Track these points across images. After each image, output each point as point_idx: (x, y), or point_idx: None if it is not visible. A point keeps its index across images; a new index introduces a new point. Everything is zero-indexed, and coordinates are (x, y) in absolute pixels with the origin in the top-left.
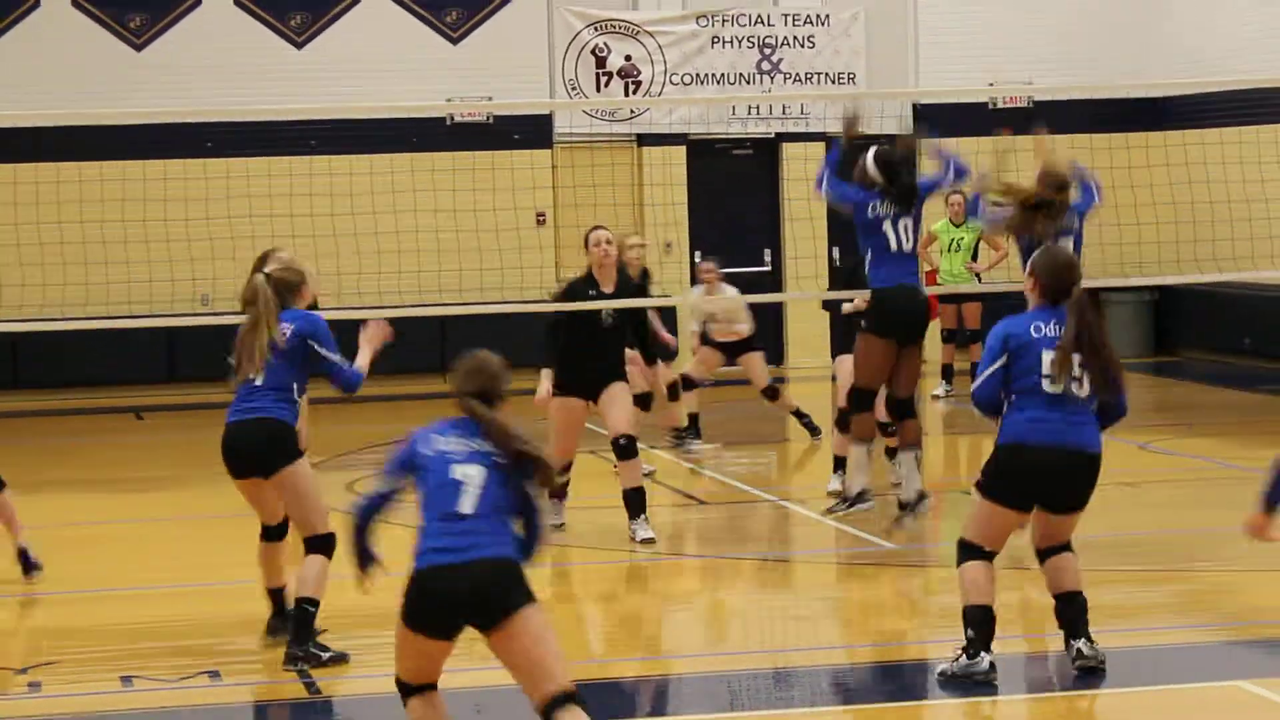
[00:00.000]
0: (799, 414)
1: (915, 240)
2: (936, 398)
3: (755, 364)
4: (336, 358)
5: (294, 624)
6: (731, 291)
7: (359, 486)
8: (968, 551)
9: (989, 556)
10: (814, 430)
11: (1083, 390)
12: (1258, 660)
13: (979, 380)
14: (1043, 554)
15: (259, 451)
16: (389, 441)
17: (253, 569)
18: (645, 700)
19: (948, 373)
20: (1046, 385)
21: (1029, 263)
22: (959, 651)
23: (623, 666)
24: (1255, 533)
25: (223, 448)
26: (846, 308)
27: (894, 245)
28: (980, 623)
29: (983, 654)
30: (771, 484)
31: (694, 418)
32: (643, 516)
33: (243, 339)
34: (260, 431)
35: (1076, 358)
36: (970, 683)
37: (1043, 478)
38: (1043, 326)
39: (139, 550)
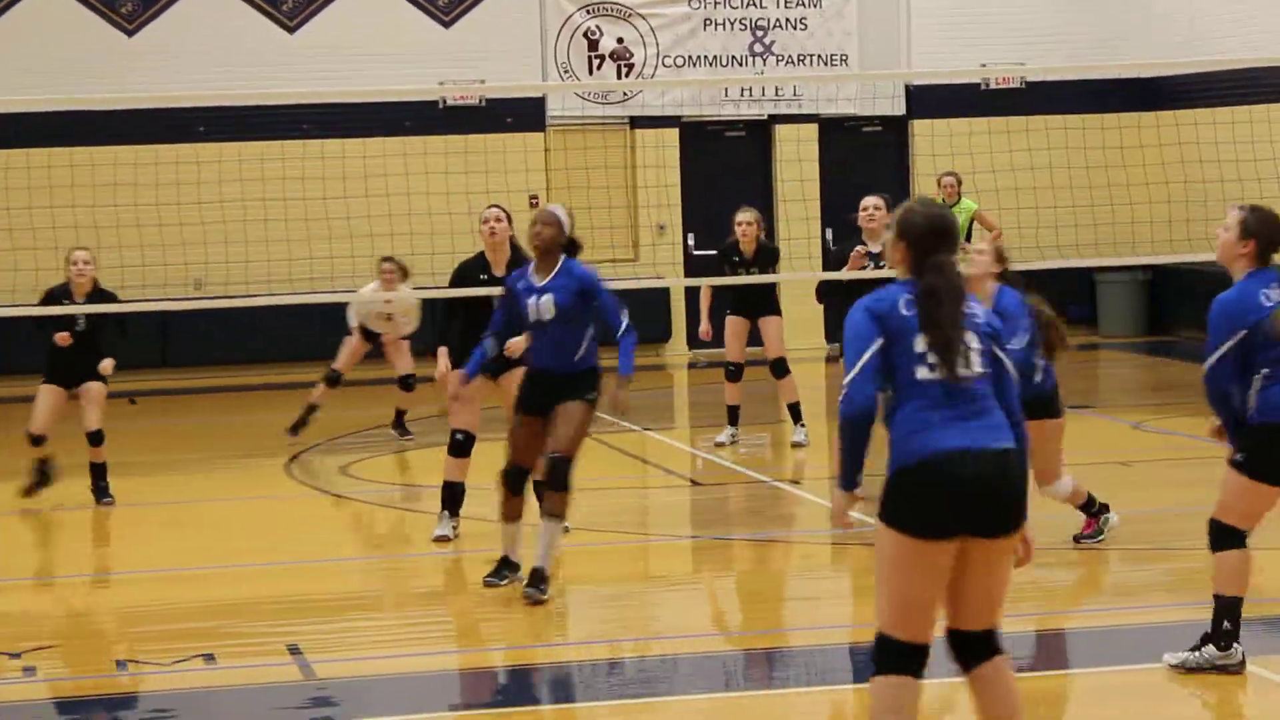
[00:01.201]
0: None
1: None
2: None
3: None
4: None
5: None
6: (406, 290)
7: (353, 470)
8: (1229, 538)
9: (1244, 541)
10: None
11: None
12: (1252, 639)
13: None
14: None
15: None
16: (380, 425)
17: (252, 553)
18: (640, 681)
19: None
20: None
21: (1239, 224)
22: (1203, 641)
23: (617, 647)
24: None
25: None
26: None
27: None
28: (1238, 615)
29: (1236, 645)
30: (767, 465)
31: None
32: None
33: None
34: None
35: None
36: (1220, 674)
37: None
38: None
39: (131, 535)
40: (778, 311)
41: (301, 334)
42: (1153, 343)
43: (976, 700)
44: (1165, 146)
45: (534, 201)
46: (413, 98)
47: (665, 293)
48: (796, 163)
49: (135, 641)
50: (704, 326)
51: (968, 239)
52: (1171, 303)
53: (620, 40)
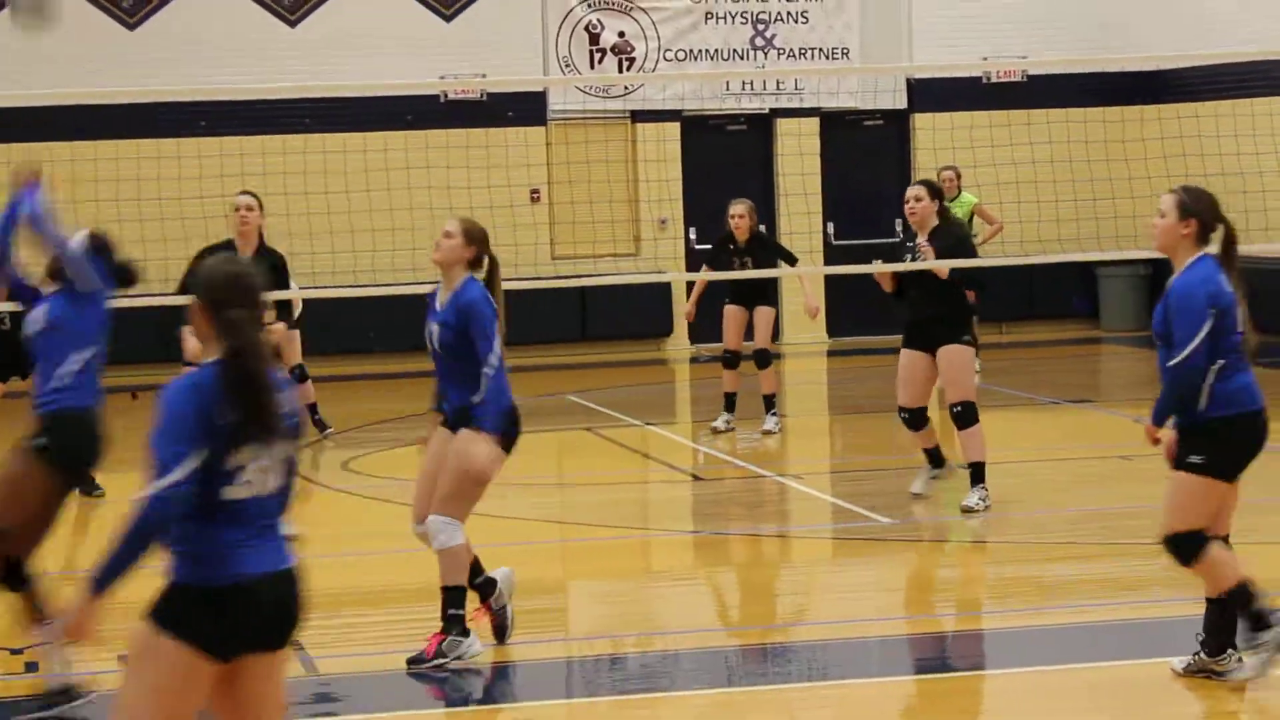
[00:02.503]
0: None
1: None
2: None
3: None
4: None
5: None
6: (292, 285)
7: (354, 465)
8: (1195, 541)
9: (1208, 538)
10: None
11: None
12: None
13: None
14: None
15: None
16: (385, 420)
17: None
18: (641, 676)
19: None
20: (1242, 343)
21: (1176, 206)
22: (1248, 634)
23: (619, 643)
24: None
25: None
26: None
27: None
28: (1256, 593)
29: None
30: (768, 459)
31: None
32: None
33: None
34: None
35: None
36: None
37: (1257, 445)
38: (1225, 281)
39: None
40: (771, 303)
41: (302, 328)
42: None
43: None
44: (1167, 140)
45: (535, 196)
46: (414, 91)
47: (667, 287)
48: (798, 156)
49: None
50: (689, 309)
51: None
52: None
53: (621, 34)
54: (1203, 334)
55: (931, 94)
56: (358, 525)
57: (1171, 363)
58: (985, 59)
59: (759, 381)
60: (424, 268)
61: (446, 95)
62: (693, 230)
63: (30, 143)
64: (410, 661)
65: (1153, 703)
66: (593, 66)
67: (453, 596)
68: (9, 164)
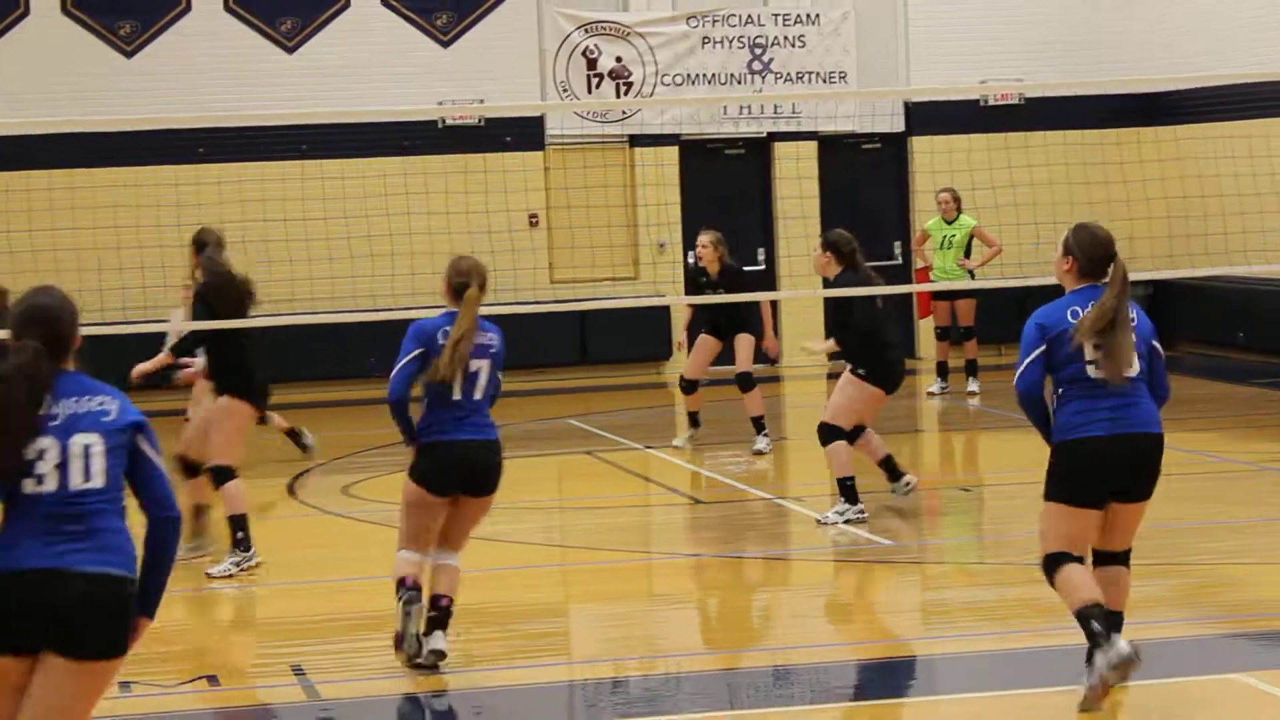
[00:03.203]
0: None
1: None
2: (932, 395)
3: None
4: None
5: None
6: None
7: (355, 490)
8: (1056, 562)
9: (1079, 560)
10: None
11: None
12: (1258, 653)
13: (1018, 371)
14: (1097, 557)
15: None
16: (384, 445)
17: (250, 575)
18: (643, 700)
19: (943, 370)
20: (1091, 371)
21: (1062, 243)
22: (1088, 659)
23: (621, 666)
24: None
25: (458, 464)
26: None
27: None
28: (1097, 615)
29: (1114, 635)
30: (769, 482)
31: None
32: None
33: (460, 344)
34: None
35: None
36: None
37: (1107, 469)
38: (1080, 311)
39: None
40: (750, 330)
41: (302, 354)
42: None
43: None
44: (1165, 162)
45: (534, 221)
46: (412, 118)
47: (666, 311)
48: (796, 180)
49: (138, 663)
50: (679, 339)
51: (967, 255)
52: (1173, 317)
53: (619, 59)
54: (1027, 360)
55: (929, 117)
56: (358, 550)
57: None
58: (983, 82)
59: (745, 404)
60: (423, 292)
61: (444, 121)
62: (691, 254)
63: (29, 170)
64: None
65: None
66: (590, 91)
67: None
68: (7, 193)
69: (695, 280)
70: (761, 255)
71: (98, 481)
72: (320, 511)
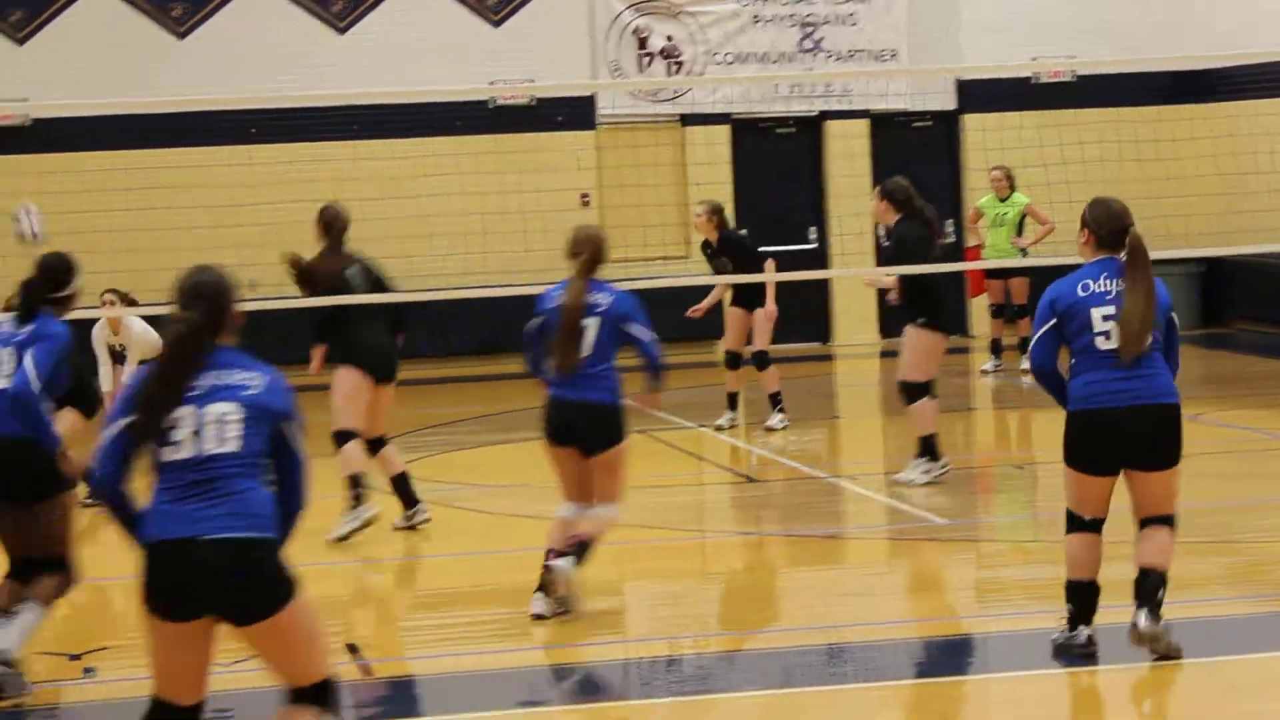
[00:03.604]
0: None
1: None
2: (985, 372)
3: None
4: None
5: None
6: (139, 327)
7: (413, 469)
8: (1070, 522)
9: (1092, 525)
10: None
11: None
12: None
13: (1031, 345)
14: (1140, 523)
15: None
16: (437, 425)
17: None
18: (698, 678)
19: (996, 348)
20: (1101, 343)
21: (1080, 218)
22: (1062, 622)
23: (675, 644)
24: None
25: (558, 420)
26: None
27: None
28: (1077, 597)
29: (1081, 627)
30: (822, 461)
31: None
32: None
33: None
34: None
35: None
36: (1072, 655)
37: (1117, 439)
38: (1091, 284)
39: None
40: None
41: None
42: (1207, 335)
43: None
44: (1217, 138)
45: (585, 200)
46: (463, 97)
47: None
48: (847, 158)
49: None
50: (698, 306)
51: (1019, 233)
52: (1225, 295)
53: (670, 38)
54: (1039, 331)
55: (981, 95)
56: (410, 529)
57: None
58: (1034, 59)
59: (761, 381)
60: (474, 272)
61: (495, 101)
62: (743, 233)
63: (82, 152)
64: None
65: (1214, 702)
66: (641, 70)
67: None
68: (61, 174)
69: (703, 252)
70: (813, 234)
71: (231, 446)
72: (375, 491)
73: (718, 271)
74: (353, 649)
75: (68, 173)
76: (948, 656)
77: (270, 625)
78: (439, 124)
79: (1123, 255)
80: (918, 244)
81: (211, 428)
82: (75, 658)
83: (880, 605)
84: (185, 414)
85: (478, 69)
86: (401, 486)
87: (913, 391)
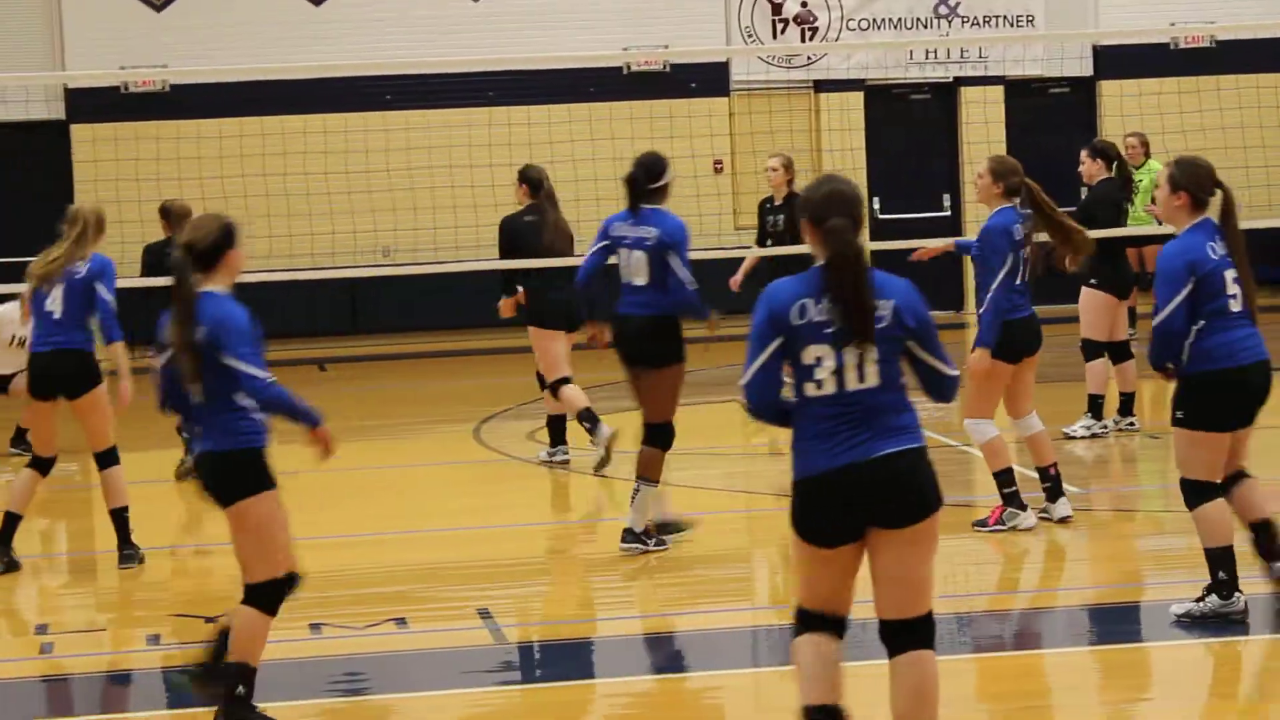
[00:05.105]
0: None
1: None
2: None
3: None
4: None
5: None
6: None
7: (540, 435)
8: (1206, 491)
9: (1222, 489)
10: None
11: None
12: None
13: (1167, 310)
14: (1228, 482)
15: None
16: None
17: (442, 518)
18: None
19: (1131, 316)
20: (1234, 305)
21: (1168, 180)
22: (1206, 592)
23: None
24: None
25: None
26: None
27: None
28: (1228, 564)
29: (1237, 594)
30: (952, 430)
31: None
32: None
33: None
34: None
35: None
36: (1223, 622)
37: (1248, 396)
38: (1216, 247)
39: (324, 500)
40: None
41: (488, 300)
42: None
43: (890, 689)
44: None
45: (719, 166)
46: (597, 64)
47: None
48: (983, 125)
49: (327, 605)
50: (736, 278)
51: (1153, 201)
52: None
53: (804, 4)
54: (1179, 298)
55: (1118, 61)
56: (543, 495)
57: (1154, 321)
58: (1173, 24)
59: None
60: None
61: (629, 66)
62: (876, 200)
63: (221, 118)
64: (975, 524)
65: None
66: (775, 36)
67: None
68: (199, 139)
69: (759, 209)
70: (947, 201)
71: (871, 382)
72: (505, 456)
73: (766, 230)
74: (484, 614)
75: (205, 138)
76: (1082, 626)
77: (917, 531)
78: (573, 90)
79: (1213, 216)
80: (1114, 206)
81: (851, 371)
82: (211, 620)
83: (1010, 575)
84: (823, 352)
85: (612, 35)
86: (557, 426)
87: (1090, 350)
